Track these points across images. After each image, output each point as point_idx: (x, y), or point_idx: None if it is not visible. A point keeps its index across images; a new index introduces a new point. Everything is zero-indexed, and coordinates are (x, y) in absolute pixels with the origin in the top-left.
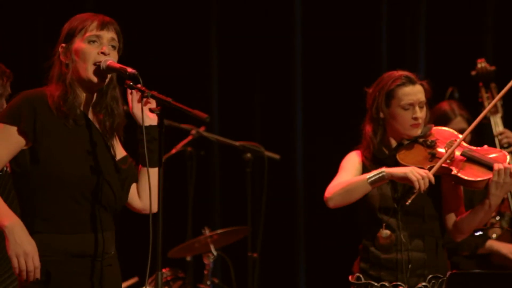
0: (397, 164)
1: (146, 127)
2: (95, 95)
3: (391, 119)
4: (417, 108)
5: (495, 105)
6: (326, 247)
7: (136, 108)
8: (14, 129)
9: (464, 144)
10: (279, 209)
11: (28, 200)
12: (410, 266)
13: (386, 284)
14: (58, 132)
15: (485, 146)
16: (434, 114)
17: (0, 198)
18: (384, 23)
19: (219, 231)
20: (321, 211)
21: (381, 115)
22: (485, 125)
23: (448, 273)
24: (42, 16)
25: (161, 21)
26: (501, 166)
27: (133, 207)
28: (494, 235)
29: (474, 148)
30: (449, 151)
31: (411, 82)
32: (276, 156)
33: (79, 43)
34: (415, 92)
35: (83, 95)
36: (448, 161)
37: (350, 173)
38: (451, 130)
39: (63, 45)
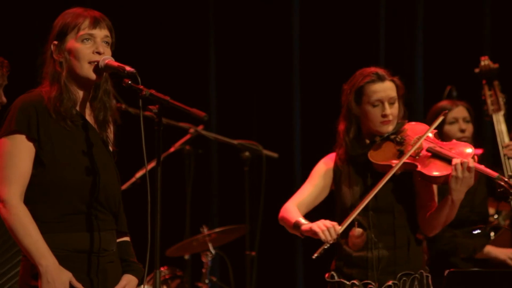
0: (368, 162)
1: None
2: (91, 91)
3: (362, 117)
4: (386, 105)
5: (497, 103)
6: None
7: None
8: (25, 137)
9: (432, 138)
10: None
11: (29, 201)
12: (380, 264)
13: (356, 282)
14: (59, 136)
15: (453, 141)
16: (433, 112)
17: (34, 231)
18: (381, 21)
19: (217, 229)
20: (319, 209)
21: (353, 112)
22: (487, 122)
23: (446, 272)
24: (39, 13)
25: (158, 20)
26: (459, 160)
27: None
28: (492, 234)
29: (441, 143)
30: (412, 148)
31: (380, 78)
32: (274, 155)
33: (72, 42)
34: (384, 89)
35: (79, 93)
36: (416, 157)
37: (312, 184)
38: (424, 125)
39: (55, 42)
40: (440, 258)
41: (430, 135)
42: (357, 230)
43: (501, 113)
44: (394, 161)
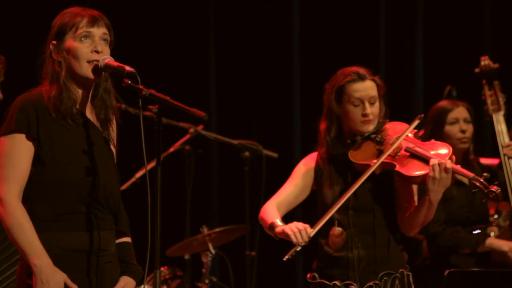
0: (349, 161)
1: None
2: (91, 90)
3: (343, 116)
4: (366, 104)
5: (497, 103)
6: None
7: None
8: (25, 136)
9: (411, 138)
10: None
11: (28, 199)
12: (361, 264)
13: (338, 283)
14: (59, 134)
15: (432, 140)
16: (433, 112)
17: (30, 231)
18: (382, 21)
19: (217, 229)
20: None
21: (335, 111)
22: (488, 122)
23: (446, 271)
24: (39, 13)
25: (158, 20)
26: (436, 161)
27: None
28: (492, 234)
29: (420, 143)
30: (390, 148)
31: (361, 78)
32: (274, 155)
33: (70, 42)
34: (364, 88)
35: (78, 92)
36: (395, 157)
37: (292, 184)
38: (406, 124)
39: (54, 42)
40: (441, 256)
41: (410, 135)
42: (337, 229)
43: (501, 113)
44: (373, 161)
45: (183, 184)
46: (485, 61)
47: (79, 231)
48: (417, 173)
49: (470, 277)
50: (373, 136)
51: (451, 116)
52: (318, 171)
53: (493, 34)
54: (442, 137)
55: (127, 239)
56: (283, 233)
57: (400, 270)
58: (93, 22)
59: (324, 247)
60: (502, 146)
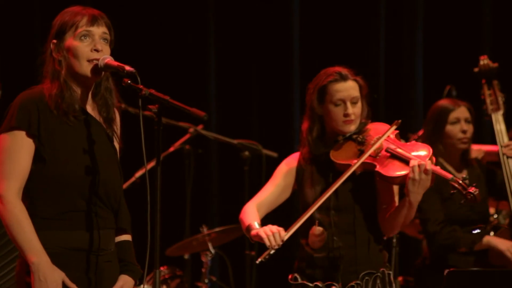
0: (330, 161)
1: None
2: (91, 88)
3: (325, 116)
4: (348, 104)
5: (496, 102)
6: None
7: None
8: (25, 133)
9: (393, 138)
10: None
11: (29, 198)
12: (342, 264)
13: (319, 284)
14: (61, 131)
15: (413, 141)
16: (434, 111)
17: (28, 228)
18: (382, 21)
19: (217, 229)
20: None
21: (317, 111)
22: (487, 122)
23: (446, 271)
24: (39, 13)
25: (158, 20)
26: (416, 162)
27: None
28: (492, 233)
29: (401, 144)
30: (371, 148)
31: (343, 78)
32: (274, 154)
33: (70, 41)
34: (346, 88)
35: (79, 90)
36: (376, 157)
37: (273, 185)
38: (387, 125)
39: (54, 41)
40: (441, 255)
41: (391, 136)
42: (317, 229)
43: (500, 112)
44: (354, 161)
45: (183, 184)
46: (484, 61)
47: (79, 230)
48: (397, 173)
49: (470, 277)
50: (354, 136)
51: (453, 116)
52: (299, 171)
53: (492, 33)
54: (443, 136)
55: (127, 237)
56: (257, 236)
57: (381, 269)
58: (93, 21)
59: (304, 247)
60: (501, 146)
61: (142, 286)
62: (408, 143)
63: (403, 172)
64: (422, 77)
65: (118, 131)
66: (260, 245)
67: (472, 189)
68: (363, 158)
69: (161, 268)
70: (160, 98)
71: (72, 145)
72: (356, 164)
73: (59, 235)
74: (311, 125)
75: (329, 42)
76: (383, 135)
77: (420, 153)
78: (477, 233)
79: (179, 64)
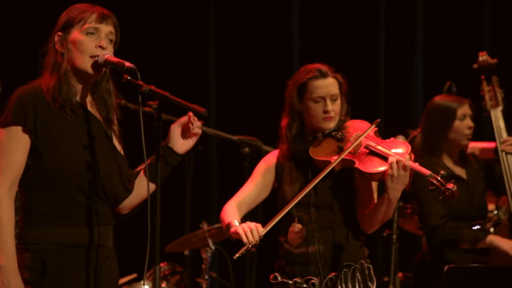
0: (309, 158)
1: (168, 147)
2: (89, 86)
3: (305, 113)
4: (328, 101)
5: (495, 98)
6: None
7: (175, 134)
8: (21, 128)
9: (372, 135)
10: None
11: (28, 193)
12: (321, 259)
13: (299, 280)
14: (58, 126)
15: (392, 138)
16: (438, 107)
17: (6, 229)
18: (381, 21)
19: (217, 225)
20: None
21: (296, 108)
22: (486, 118)
23: (446, 267)
24: (39, 13)
25: (159, 19)
26: (394, 159)
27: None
28: (492, 230)
29: (380, 140)
30: (352, 145)
31: (323, 75)
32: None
33: (76, 34)
34: (325, 85)
35: (78, 85)
36: (355, 154)
37: (253, 183)
38: (367, 122)
39: (60, 33)
40: (439, 251)
41: (371, 133)
42: (297, 226)
43: (499, 108)
44: (334, 157)
45: (182, 180)
46: (483, 57)
47: (78, 226)
48: (376, 170)
49: (469, 273)
50: (334, 133)
51: (461, 112)
52: (279, 168)
53: (491, 30)
54: (449, 132)
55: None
56: (236, 233)
57: (360, 261)
58: (102, 19)
59: (283, 244)
60: (500, 142)
61: (142, 282)
62: (387, 140)
63: (381, 169)
64: (422, 75)
65: (117, 131)
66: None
67: (450, 185)
68: (342, 155)
69: (161, 264)
70: (160, 94)
71: (69, 140)
72: (335, 161)
73: (58, 232)
74: (290, 121)
75: (329, 40)
76: (363, 133)
77: (399, 150)
78: (481, 231)
79: (179, 61)
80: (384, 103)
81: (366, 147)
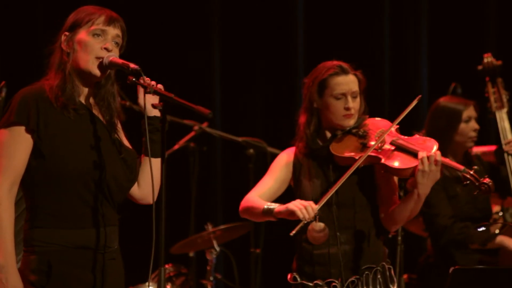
0: (329, 155)
1: (150, 117)
2: (92, 87)
3: (324, 109)
4: (349, 98)
5: (500, 100)
6: None
7: (141, 100)
8: (24, 129)
9: (394, 132)
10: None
11: (32, 194)
12: (342, 259)
13: (320, 282)
14: (61, 126)
15: (416, 135)
16: (443, 109)
17: (6, 228)
18: (386, 21)
19: (221, 226)
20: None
21: (315, 105)
22: (491, 120)
23: (451, 269)
24: (41, 8)
25: (163, 16)
26: (425, 154)
27: (131, 196)
28: (496, 231)
29: (404, 137)
30: (378, 140)
31: (344, 71)
32: (279, 152)
33: (83, 34)
34: (347, 82)
35: (81, 86)
36: (378, 150)
37: (272, 178)
38: (386, 120)
39: (67, 33)
40: (444, 254)
41: (392, 130)
42: (318, 225)
43: (504, 110)
44: (358, 154)
45: (187, 182)
46: (488, 58)
47: (84, 227)
48: (406, 166)
49: (475, 275)
50: (354, 130)
51: (466, 114)
52: (296, 165)
53: (496, 31)
54: (454, 134)
55: None
56: (287, 210)
57: (381, 263)
58: (110, 21)
59: (302, 243)
60: (504, 144)
61: (147, 284)
62: (410, 137)
63: (412, 164)
64: (426, 77)
65: (121, 132)
66: (265, 243)
67: (486, 180)
68: (368, 151)
69: (166, 266)
70: (165, 95)
71: (72, 140)
72: (363, 156)
73: (63, 233)
74: (309, 118)
75: (334, 40)
76: (387, 129)
77: (427, 145)
78: (488, 231)
79: (184, 62)
80: (388, 105)
81: (392, 143)
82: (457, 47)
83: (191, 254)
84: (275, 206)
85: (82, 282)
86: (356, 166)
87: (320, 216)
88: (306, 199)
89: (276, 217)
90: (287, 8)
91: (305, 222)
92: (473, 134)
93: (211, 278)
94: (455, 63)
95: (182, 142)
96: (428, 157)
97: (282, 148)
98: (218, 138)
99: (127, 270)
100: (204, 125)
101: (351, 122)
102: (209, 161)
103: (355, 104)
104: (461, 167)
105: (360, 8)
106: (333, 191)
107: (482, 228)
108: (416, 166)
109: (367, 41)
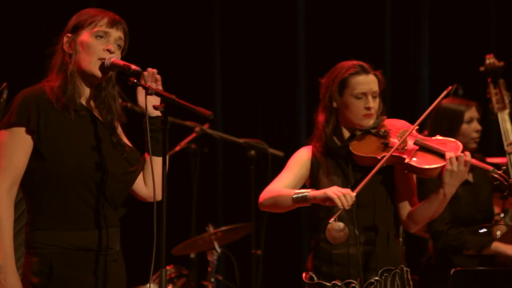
0: (348, 154)
1: (152, 117)
2: (93, 89)
3: (344, 109)
4: (370, 98)
5: (502, 101)
6: None
7: (142, 101)
8: (24, 129)
9: (416, 133)
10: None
11: (33, 196)
12: (362, 260)
13: (338, 283)
14: (61, 127)
15: (438, 136)
16: (446, 110)
17: (5, 229)
18: (387, 22)
19: (223, 228)
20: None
21: (334, 104)
22: (493, 121)
23: (452, 270)
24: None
25: (164, 18)
26: (452, 154)
27: (138, 195)
28: (498, 232)
29: (425, 137)
30: (402, 139)
31: (365, 71)
32: (280, 153)
33: (86, 36)
34: (368, 82)
35: (83, 87)
36: (401, 150)
37: (292, 173)
38: (403, 121)
39: (69, 35)
40: (445, 256)
41: (414, 131)
42: (337, 224)
43: (507, 111)
44: (381, 154)
45: (188, 183)
46: (490, 60)
47: (85, 229)
48: (433, 166)
49: (476, 276)
50: (373, 130)
51: (468, 115)
52: (314, 163)
53: (498, 32)
54: (456, 135)
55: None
56: (324, 196)
57: (400, 266)
58: (112, 23)
59: (320, 243)
60: (506, 145)
61: (148, 285)
62: (432, 138)
63: (439, 164)
64: (428, 76)
65: (124, 137)
66: (267, 244)
67: None
68: (392, 151)
69: (167, 267)
70: (166, 97)
71: (73, 141)
72: (387, 156)
73: (65, 235)
74: (328, 117)
75: (335, 41)
76: (414, 125)
77: (453, 145)
78: (486, 236)
79: (185, 63)
80: (390, 106)
81: (416, 143)
82: (459, 48)
83: (192, 255)
84: (308, 191)
85: (84, 284)
86: (380, 165)
87: (340, 215)
88: None
89: (311, 202)
90: (288, 10)
91: (343, 209)
92: (475, 135)
93: (212, 280)
94: (456, 64)
95: (183, 143)
96: (457, 157)
97: (283, 149)
98: (219, 140)
99: (127, 271)
100: (205, 127)
101: (371, 122)
102: (210, 162)
103: (375, 104)
104: (490, 168)
105: (361, 8)
106: (367, 180)
107: (484, 230)
108: (443, 166)
109: (368, 41)
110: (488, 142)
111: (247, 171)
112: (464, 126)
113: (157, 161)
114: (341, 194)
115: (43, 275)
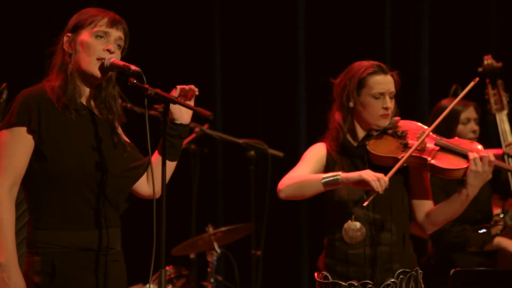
0: (364, 154)
1: (176, 124)
2: (94, 89)
3: (360, 108)
4: (387, 98)
5: (500, 102)
6: None
7: (176, 108)
8: (25, 129)
9: (434, 135)
10: (283, 207)
11: (34, 196)
12: (378, 261)
13: (355, 283)
14: (62, 127)
15: (456, 138)
16: (441, 111)
17: (7, 228)
18: (387, 22)
19: (222, 228)
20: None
21: (351, 104)
22: (491, 121)
23: (452, 271)
24: (43, 9)
25: (164, 19)
26: (476, 155)
27: (139, 194)
28: (498, 232)
29: (444, 138)
30: (421, 139)
31: (383, 71)
32: (280, 154)
33: (86, 36)
34: (386, 82)
35: (83, 87)
36: (421, 150)
37: (309, 165)
38: (419, 123)
39: (69, 34)
40: (445, 255)
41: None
42: (354, 224)
43: (505, 112)
44: (400, 154)
45: (188, 183)
46: (488, 60)
47: (87, 229)
48: (457, 167)
49: (476, 276)
50: (390, 131)
51: (464, 116)
52: (330, 161)
53: (497, 33)
54: (453, 136)
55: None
56: (359, 178)
57: (415, 268)
58: (112, 23)
59: (335, 243)
60: (505, 145)
61: (148, 285)
62: (452, 139)
63: (463, 165)
64: (428, 76)
65: (124, 136)
66: (266, 245)
67: None
68: (411, 151)
69: (167, 268)
70: (166, 97)
71: (74, 141)
72: (406, 156)
73: (67, 235)
74: (344, 116)
75: (335, 41)
76: (431, 127)
77: (471, 146)
78: (488, 233)
79: (185, 64)
80: None
81: (437, 144)
82: (459, 48)
83: (192, 255)
84: (338, 174)
85: (85, 283)
86: (400, 165)
87: (356, 215)
88: (342, 196)
89: (343, 184)
90: (288, 10)
91: (377, 192)
92: (472, 135)
93: (212, 280)
94: (456, 64)
95: (183, 143)
96: (480, 158)
97: (283, 149)
98: (219, 140)
99: (127, 270)
100: (205, 127)
101: (387, 122)
102: (210, 163)
103: (392, 105)
104: None
105: (361, 8)
106: (397, 167)
107: (483, 230)
108: (467, 167)
109: (368, 41)
110: (487, 143)
111: (247, 172)
112: (460, 127)
113: (170, 165)
114: (375, 178)
115: (45, 274)
